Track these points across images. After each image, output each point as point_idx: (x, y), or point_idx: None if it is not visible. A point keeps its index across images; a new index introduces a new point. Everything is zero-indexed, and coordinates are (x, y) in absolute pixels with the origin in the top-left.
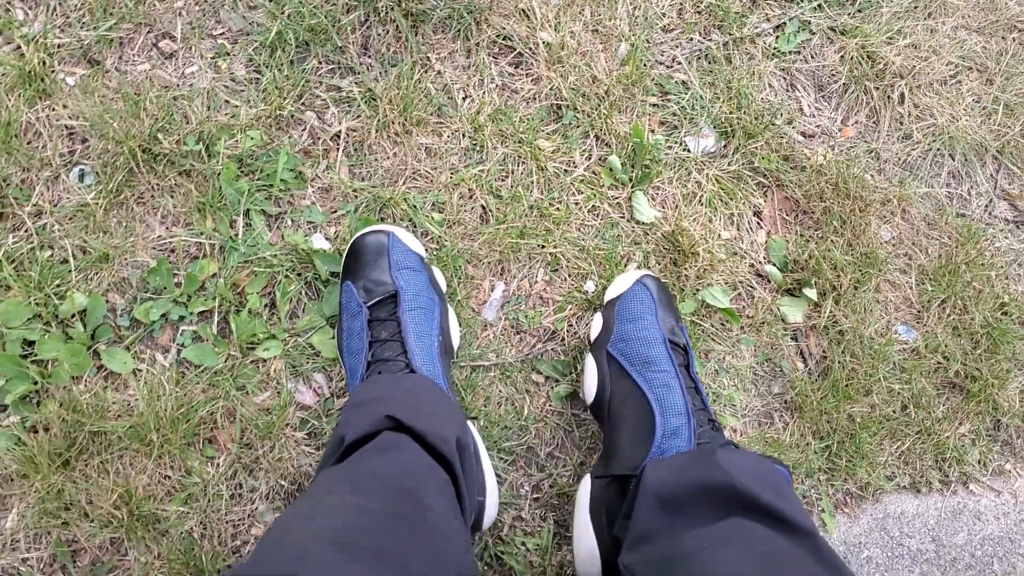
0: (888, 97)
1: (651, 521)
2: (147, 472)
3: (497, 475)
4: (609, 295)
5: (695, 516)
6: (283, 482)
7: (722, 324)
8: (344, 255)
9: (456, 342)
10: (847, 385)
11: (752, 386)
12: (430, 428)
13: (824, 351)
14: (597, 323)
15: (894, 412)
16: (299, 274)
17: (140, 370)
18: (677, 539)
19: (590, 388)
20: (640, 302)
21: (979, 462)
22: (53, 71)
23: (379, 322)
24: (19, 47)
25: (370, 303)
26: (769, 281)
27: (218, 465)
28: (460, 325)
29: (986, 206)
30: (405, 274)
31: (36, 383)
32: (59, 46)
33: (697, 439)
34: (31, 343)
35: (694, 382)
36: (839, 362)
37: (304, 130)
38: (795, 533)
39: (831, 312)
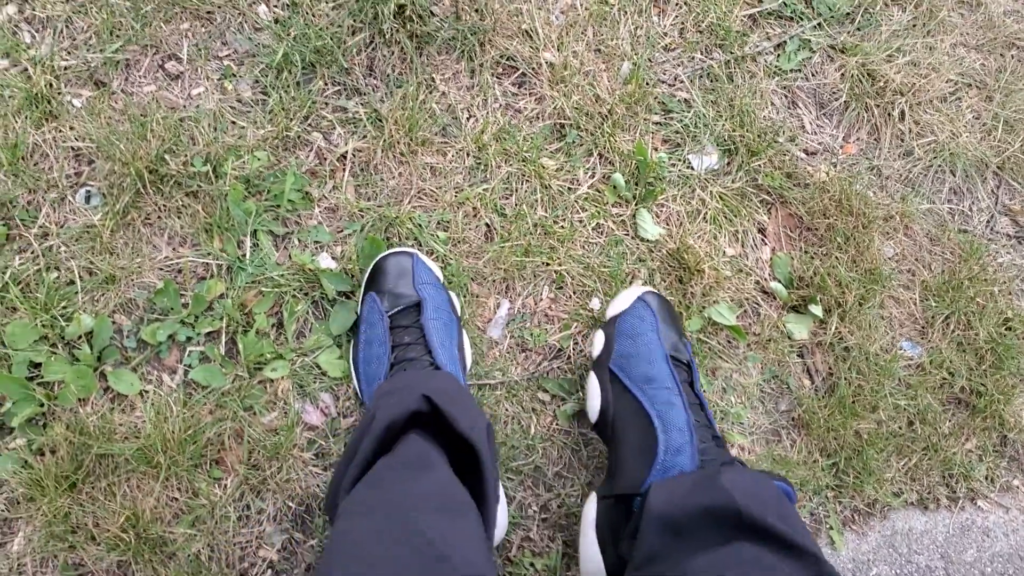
0: (889, 114)
1: (656, 544)
2: (154, 494)
3: (506, 495)
4: (611, 312)
5: (700, 539)
6: (291, 503)
7: (729, 342)
8: (367, 271)
9: (468, 364)
10: (854, 402)
11: (759, 403)
12: (461, 415)
13: (830, 368)
14: (599, 340)
15: (900, 428)
16: (306, 294)
17: (147, 391)
18: (681, 565)
19: (593, 406)
20: (641, 319)
21: (986, 478)
22: (60, 93)
23: (401, 328)
24: (26, 69)
25: (392, 311)
26: (774, 298)
27: (225, 486)
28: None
29: (988, 221)
30: (428, 288)
31: (42, 405)
32: (66, 68)
33: (700, 456)
34: (37, 365)
35: (698, 398)
36: (845, 379)
37: (311, 151)
38: (799, 557)
39: (836, 329)
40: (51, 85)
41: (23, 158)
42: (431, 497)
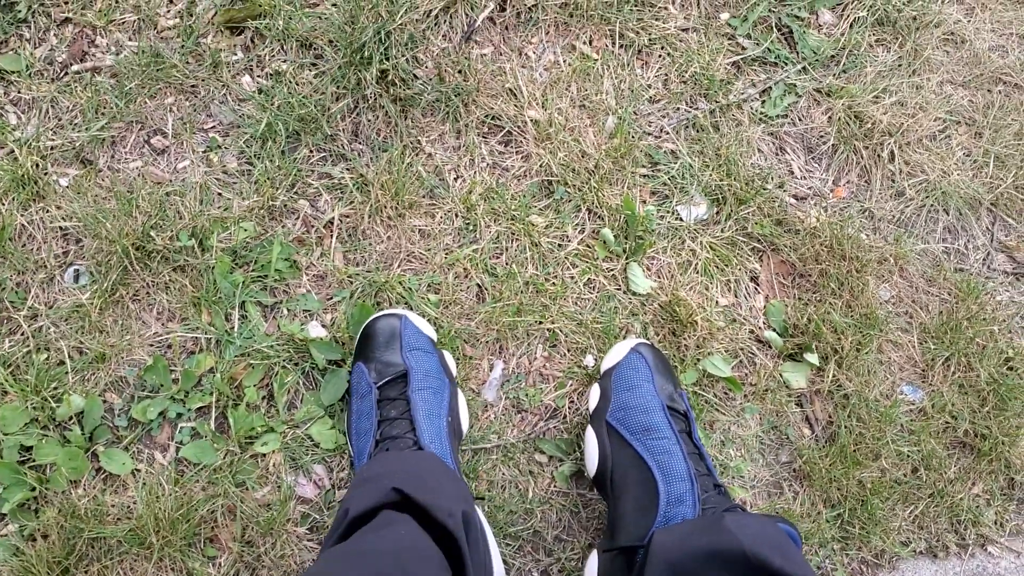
0: (878, 155)
1: None
2: None
3: (504, 562)
4: (605, 365)
5: None
6: None
7: (725, 393)
8: (357, 337)
9: (465, 425)
10: (855, 450)
11: (759, 456)
12: (436, 502)
13: (830, 416)
14: (595, 394)
15: (905, 475)
16: (296, 364)
17: (139, 470)
18: None
19: (591, 460)
20: (636, 370)
21: (996, 523)
22: (46, 173)
23: (388, 401)
24: (12, 151)
25: (380, 383)
26: (770, 347)
27: (220, 565)
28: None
29: (984, 259)
30: (416, 355)
31: (34, 489)
32: (52, 148)
33: (702, 504)
34: (28, 448)
35: (697, 448)
36: (846, 427)
37: (297, 219)
38: None
39: (834, 376)
40: (38, 166)
41: (10, 240)
42: (398, 553)
